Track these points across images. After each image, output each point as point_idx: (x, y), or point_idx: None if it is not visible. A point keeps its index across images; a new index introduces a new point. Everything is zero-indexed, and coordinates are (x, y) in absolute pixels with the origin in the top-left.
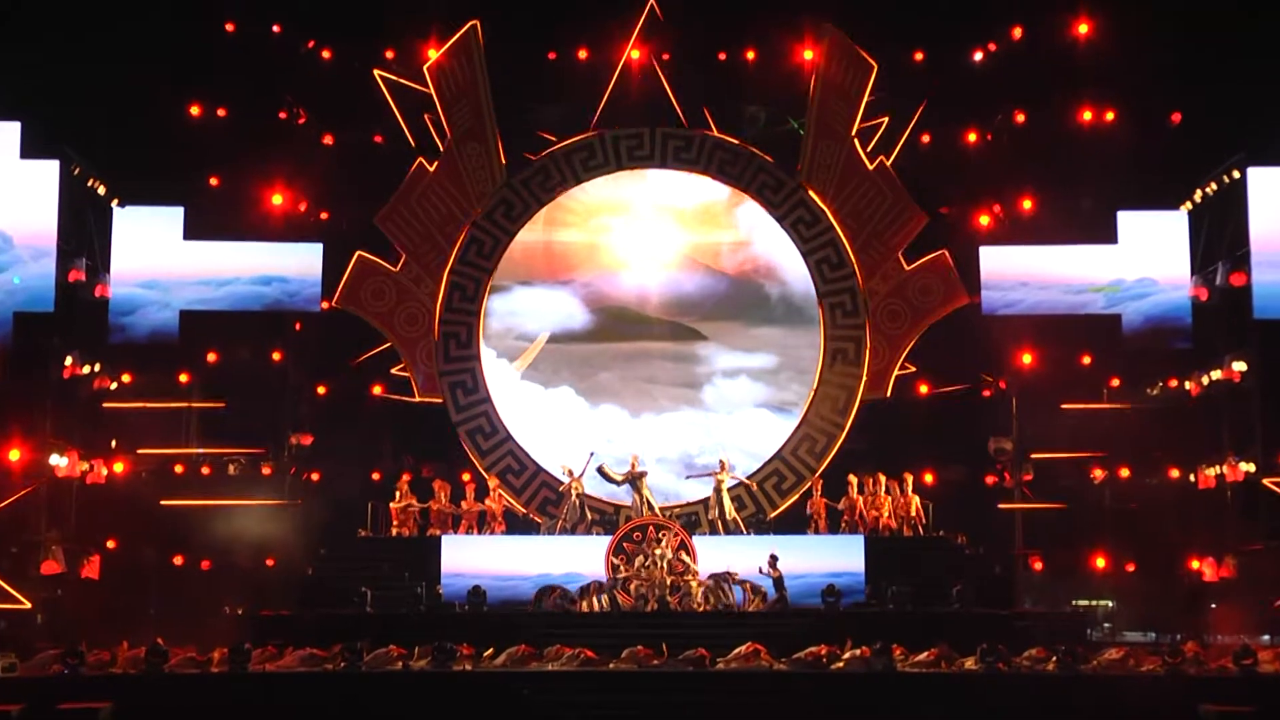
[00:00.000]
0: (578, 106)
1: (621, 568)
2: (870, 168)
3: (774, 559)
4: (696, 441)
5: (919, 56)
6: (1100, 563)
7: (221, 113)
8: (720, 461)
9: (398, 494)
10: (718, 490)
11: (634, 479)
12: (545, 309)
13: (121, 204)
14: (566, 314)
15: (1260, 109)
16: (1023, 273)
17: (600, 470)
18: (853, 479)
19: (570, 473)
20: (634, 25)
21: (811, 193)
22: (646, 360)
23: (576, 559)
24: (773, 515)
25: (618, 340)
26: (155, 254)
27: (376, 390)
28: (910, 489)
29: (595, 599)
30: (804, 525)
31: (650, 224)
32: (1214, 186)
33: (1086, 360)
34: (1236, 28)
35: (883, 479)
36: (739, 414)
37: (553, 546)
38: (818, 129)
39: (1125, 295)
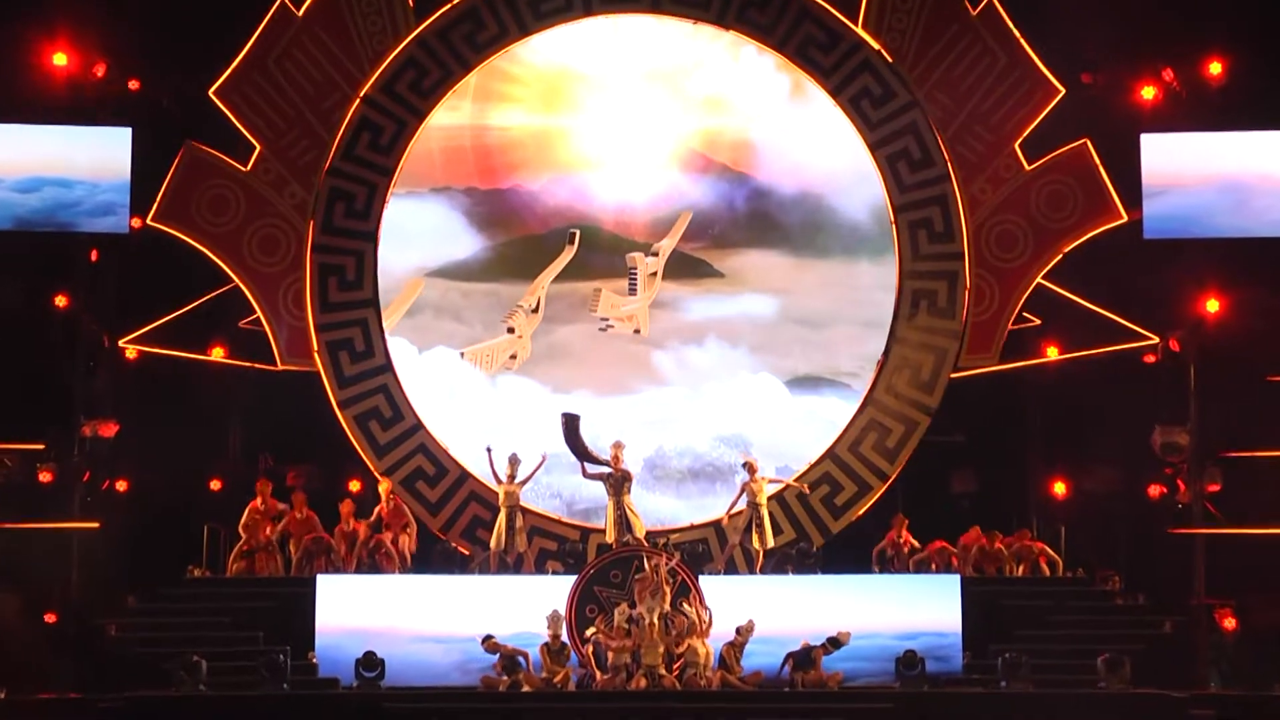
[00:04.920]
0: None
1: (595, 623)
2: (973, 14)
3: (836, 641)
4: (681, 434)
5: None
6: None
7: None
8: (747, 465)
9: (249, 512)
10: (750, 506)
11: (614, 481)
12: (456, 228)
13: None
14: (492, 238)
15: None
16: (1206, 174)
17: (570, 432)
18: None
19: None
20: None
21: (883, 52)
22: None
23: (521, 611)
24: (821, 544)
25: (579, 277)
26: None
27: (216, 354)
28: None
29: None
30: (866, 560)
31: (634, 101)
32: None
33: None
34: None
35: None
36: (737, 390)
37: (485, 591)
38: None
39: None
